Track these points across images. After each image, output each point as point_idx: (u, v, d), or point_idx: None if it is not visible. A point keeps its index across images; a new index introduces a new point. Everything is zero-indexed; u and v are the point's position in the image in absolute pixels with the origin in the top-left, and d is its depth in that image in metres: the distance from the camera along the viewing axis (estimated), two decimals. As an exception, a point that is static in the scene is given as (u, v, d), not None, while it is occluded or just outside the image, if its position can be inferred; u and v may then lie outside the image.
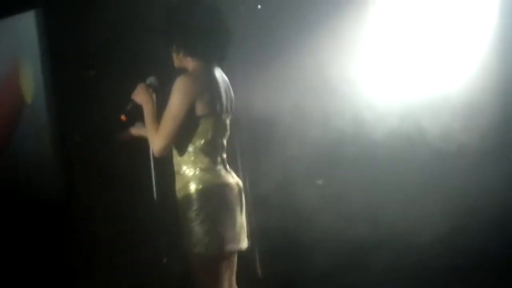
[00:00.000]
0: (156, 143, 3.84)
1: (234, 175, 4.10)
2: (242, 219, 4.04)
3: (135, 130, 4.26)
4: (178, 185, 3.98)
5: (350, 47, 5.93)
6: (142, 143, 4.32)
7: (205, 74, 3.93)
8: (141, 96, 3.98)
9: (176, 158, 4.01)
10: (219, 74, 4.02)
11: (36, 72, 6.64)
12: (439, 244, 5.71)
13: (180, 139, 3.92)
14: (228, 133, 4.08)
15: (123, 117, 4.00)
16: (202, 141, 3.91)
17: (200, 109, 3.84)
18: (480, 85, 5.79)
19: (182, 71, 4.01)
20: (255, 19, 6.07)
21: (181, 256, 4.01)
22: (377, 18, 5.97)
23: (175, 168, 4.02)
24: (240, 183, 4.10)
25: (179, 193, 3.95)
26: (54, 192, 6.60)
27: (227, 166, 4.07)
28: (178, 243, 3.98)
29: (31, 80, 6.70)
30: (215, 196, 3.92)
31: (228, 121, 4.08)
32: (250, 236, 5.32)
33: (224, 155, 4.06)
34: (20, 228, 6.68)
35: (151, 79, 4.02)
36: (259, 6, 6.12)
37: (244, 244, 4.03)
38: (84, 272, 6.08)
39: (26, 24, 6.65)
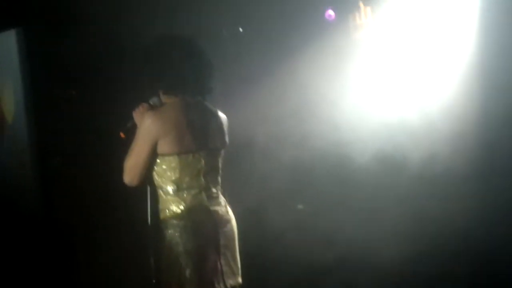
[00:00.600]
0: (124, 174, 3.89)
1: (220, 212, 4.03)
2: (217, 260, 3.96)
3: None
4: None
5: (332, 70, 5.93)
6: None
7: (177, 111, 3.89)
8: (139, 116, 3.96)
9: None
10: (199, 109, 3.99)
11: (16, 91, 6.59)
12: (417, 269, 5.70)
13: (150, 174, 3.93)
14: (209, 171, 4.00)
15: (122, 134, 3.98)
16: (173, 178, 3.91)
17: (164, 148, 3.84)
18: (463, 109, 5.79)
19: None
20: (237, 42, 6.06)
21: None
22: (358, 42, 5.97)
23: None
24: (224, 221, 4.04)
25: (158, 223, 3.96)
26: (32, 213, 6.54)
27: (207, 204, 3.98)
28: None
29: (11, 100, 6.66)
30: (181, 234, 3.89)
31: (209, 159, 4.00)
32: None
33: (207, 193, 4.00)
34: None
35: (154, 100, 4.00)
36: (240, 29, 6.12)
37: (220, 286, 3.97)
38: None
39: (6, 44, 6.61)
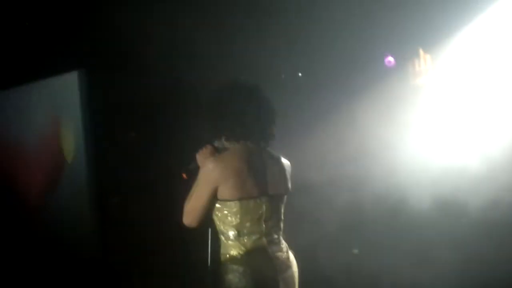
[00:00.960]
0: (183, 216, 3.87)
1: (282, 256, 4.00)
2: None
3: None
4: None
5: (391, 115, 5.91)
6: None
7: (239, 157, 3.87)
8: (202, 158, 3.95)
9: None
10: (261, 155, 3.96)
11: (77, 132, 6.70)
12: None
13: (211, 218, 3.94)
14: (271, 217, 3.96)
15: (184, 175, 3.98)
16: (233, 223, 3.87)
17: (225, 193, 3.81)
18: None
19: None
20: (296, 87, 6.09)
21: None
22: (418, 88, 5.95)
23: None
24: (284, 268, 4.00)
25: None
26: (91, 252, 6.62)
27: (270, 251, 3.94)
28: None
29: (72, 140, 6.78)
30: (239, 283, 3.85)
31: (271, 205, 3.97)
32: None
33: (269, 239, 3.96)
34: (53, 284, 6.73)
35: (217, 142, 4.03)
36: (299, 74, 6.15)
37: None
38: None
39: (69, 85, 6.76)
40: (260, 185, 3.91)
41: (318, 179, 5.99)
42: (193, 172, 3.97)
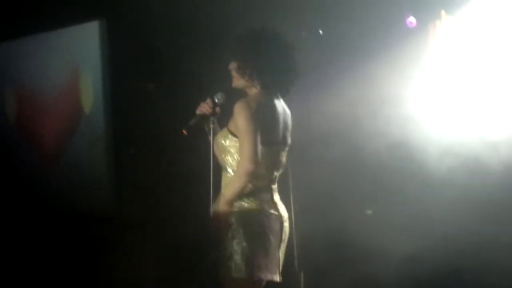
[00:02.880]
0: (247, 163, 3.84)
1: (281, 208, 4.13)
2: (277, 252, 4.06)
3: None
4: (218, 204, 4.00)
5: (409, 77, 5.89)
6: (198, 157, 4.36)
7: (267, 104, 3.98)
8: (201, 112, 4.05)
9: (225, 179, 4.04)
10: (280, 105, 4.07)
11: (95, 82, 6.72)
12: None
13: (232, 163, 3.98)
14: (280, 165, 4.13)
15: (184, 131, 4.02)
16: None
17: None
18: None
19: (241, 92, 4.07)
20: (315, 44, 6.07)
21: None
22: (438, 50, 5.92)
23: (222, 189, 4.07)
24: (285, 217, 4.13)
25: (218, 213, 3.97)
26: (104, 202, 6.68)
27: (275, 198, 4.10)
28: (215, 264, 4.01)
29: (90, 90, 6.79)
30: (251, 222, 3.96)
31: (282, 154, 4.12)
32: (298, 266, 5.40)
33: (273, 186, 4.11)
34: (67, 236, 6.79)
35: (218, 96, 4.04)
36: (320, 32, 6.12)
37: (275, 277, 4.04)
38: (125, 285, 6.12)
39: (89, 34, 6.75)
40: (280, 133, 4.07)
41: (332, 138, 5.99)
42: (194, 128, 4.01)
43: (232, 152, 3.99)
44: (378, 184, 5.87)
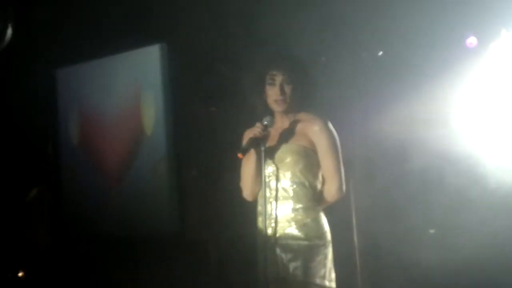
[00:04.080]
0: (341, 188, 4.08)
1: None
2: None
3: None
4: (302, 217, 4.06)
5: (471, 99, 5.87)
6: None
7: None
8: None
9: (299, 192, 4.11)
10: None
11: (157, 105, 6.82)
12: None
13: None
14: None
15: (240, 155, 4.08)
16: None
17: None
18: None
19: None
20: (375, 65, 6.09)
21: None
22: (500, 70, 5.88)
23: (295, 204, 4.09)
24: None
25: (305, 225, 4.05)
26: (168, 224, 6.75)
27: None
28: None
29: (152, 112, 6.89)
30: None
31: None
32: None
33: None
34: (129, 257, 6.86)
35: (267, 119, 4.09)
36: (380, 53, 6.15)
37: None
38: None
39: (151, 57, 6.88)
40: None
41: (394, 160, 5.99)
42: (248, 151, 4.06)
43: (308, 166, 4.10)
44: (440, 203, 5.85)
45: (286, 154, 4.09)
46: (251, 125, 4.17)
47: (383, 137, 5.91)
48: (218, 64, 6.51)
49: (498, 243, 5.66)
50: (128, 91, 7.13)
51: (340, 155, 4.07)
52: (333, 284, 4.06)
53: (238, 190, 4.38)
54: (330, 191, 4.08)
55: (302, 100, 4.13)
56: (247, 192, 4.29)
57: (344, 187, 4.09)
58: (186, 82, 6.61)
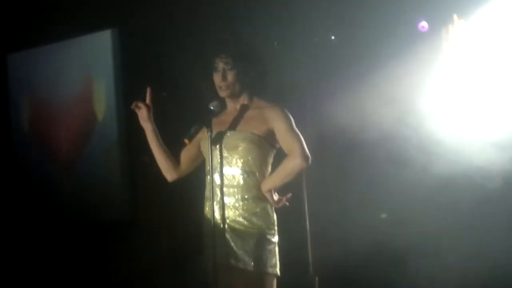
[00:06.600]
0: (305, 150, 3.98)
1: None
2: None
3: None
4: (251, 207, 4.04)
5: (420, 81, 5.89)
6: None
7: None
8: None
9: (247, 181, 4.07)
10: None
11: (108, 90, 6.77)
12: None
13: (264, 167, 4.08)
14: None
15: (186, 141, 4.05)
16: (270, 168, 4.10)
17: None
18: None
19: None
20: (328, 49, 6.08)
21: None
22: (450, 54, 5.91)
23: (244, 193, 4.05)
24: None
25: (254, 214, 4.03)
26: (119, 209, 6.72)
27: None
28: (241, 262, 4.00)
29: (103, 98, 6.84)
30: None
31: None
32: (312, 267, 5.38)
33: None
34: (81, 243, 6.82)
35: (213, 104, 4.04)
36: (332, 37, 6.14)
37: None
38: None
39: (101, 43, 6.81)
40: None
41: (346, 144, 6.00)
42: (194, 137, 4.03)
43: (260, 155, 4.06)
44: (390, 187, 5.87)
45: (239, 142, 4.04)
46: (202, 110, 4.13)
47: (334, 123, 5.90)
48: (169, 49, 6.45)
49: (446, 229, 5.72)
50: (80, 76, 7.06)
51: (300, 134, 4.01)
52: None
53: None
54: (296, 159, 3.95)
55: (250, 86, 4.08)
56: (164, 173, 4.42)
57: (308, 154, 3.97)
58: (137, 67, 6.53)
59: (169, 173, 4.40)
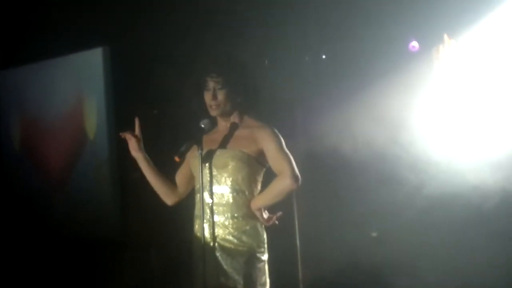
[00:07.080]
0: (296, 173, 3.96)
1: None
2: None
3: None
4: (241, 225, 4.04)
5: (413, 100, 5.90)
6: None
7: None
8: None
9: (236, 200, 4.06)
10: None
11: (99, 108, 6.77)
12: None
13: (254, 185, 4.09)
14: None
15: (176, 158, 4.03)
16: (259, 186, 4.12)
17: None
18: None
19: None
20: (320, 68, 6.10)
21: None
22: (441, 74, 5.92)
23: (233, 211, 4.05)
24: None
25: (244, 233, 4.03)
26: (109, 227, 6.69)
27: None
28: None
29: (94, 116, 6.83)
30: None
31: None
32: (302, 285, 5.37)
33: None
34: (71, 261, 6.78)
35: (204, 122, 4.04)
36: (323, 56, 6.15)
37: None
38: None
39: (92, 61, 6.81)
40: None
41: (336, 162, 5.99)
42: (184, 154, 4.03)
43: (249, 174, 4.06)
44: (381, 206, 5.87)
45: (229, 160, 4.03)
46: (193, 128, 4.13)
47: (325, 141, 5.90)
48: (161, 67, 6.46)
49: (439, 243, 5.71)
50: (71, 94, 7.07)
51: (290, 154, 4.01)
52: None
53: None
54: (285, 180, 3.94)
55: (240, 105, 4.09)
56: (163, 198, 4.45)
57: (298, 175, 3.96)
58: (129, 86, 6.53)
59: (168, 198, 4.41)
